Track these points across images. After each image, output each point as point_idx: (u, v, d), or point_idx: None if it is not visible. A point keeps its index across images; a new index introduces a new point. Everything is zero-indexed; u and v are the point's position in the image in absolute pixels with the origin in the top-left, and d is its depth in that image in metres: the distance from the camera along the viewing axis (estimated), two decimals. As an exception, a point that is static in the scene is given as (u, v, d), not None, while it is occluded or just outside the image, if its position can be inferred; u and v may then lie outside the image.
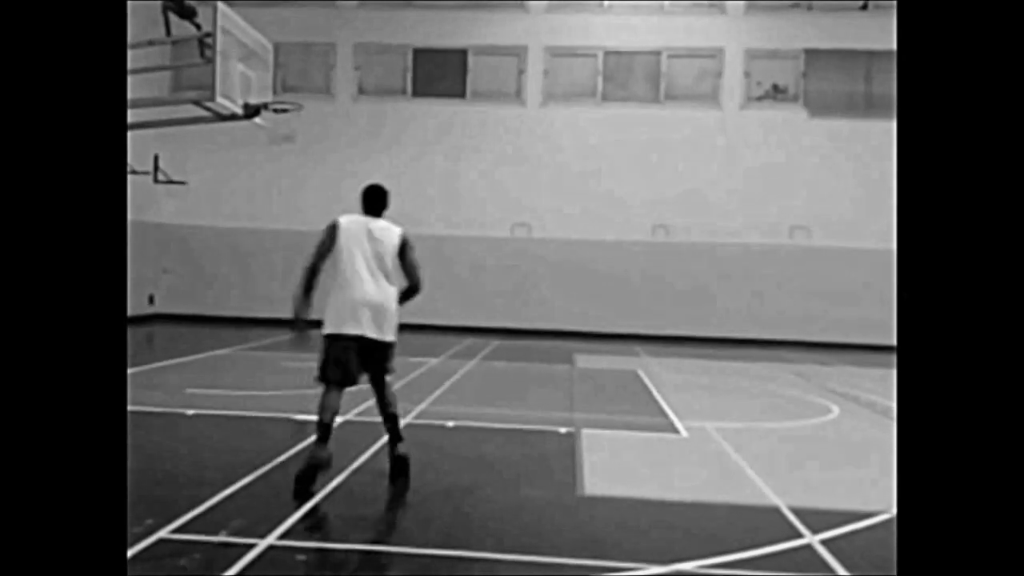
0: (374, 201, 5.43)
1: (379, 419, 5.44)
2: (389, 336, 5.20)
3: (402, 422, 5.58)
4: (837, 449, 7.04)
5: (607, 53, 18.15)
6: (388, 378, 5.36)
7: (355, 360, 5.11)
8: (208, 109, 8.40)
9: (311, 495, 4.78)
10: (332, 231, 5.24)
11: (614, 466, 6.06)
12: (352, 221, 5.28)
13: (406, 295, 5.37)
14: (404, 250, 5.30)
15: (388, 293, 5.19)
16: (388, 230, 5.30)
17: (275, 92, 10.69)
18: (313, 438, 5.04)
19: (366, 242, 5.20)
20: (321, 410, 5.05)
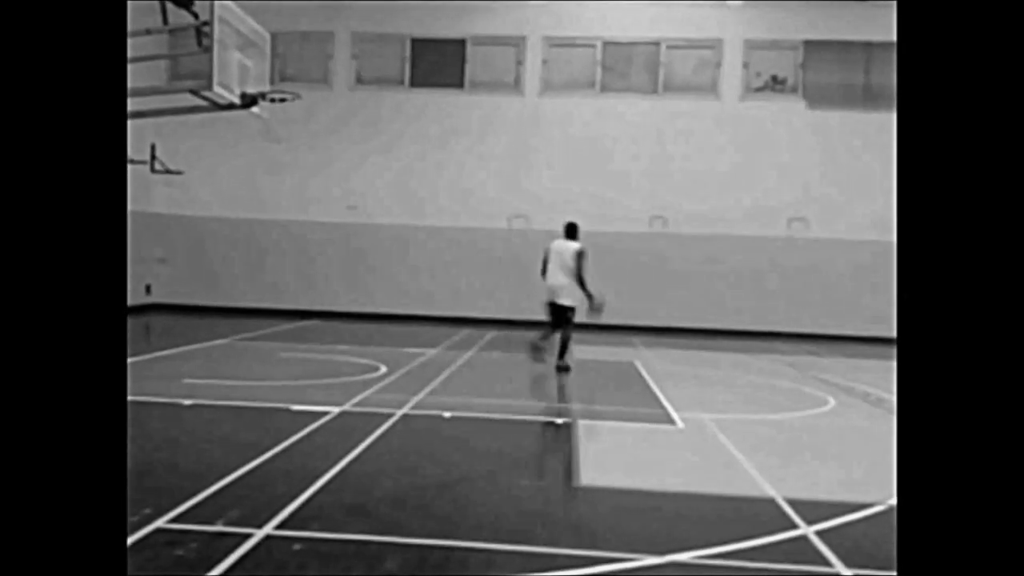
0: (570, 231, 10.48)
1: (375, 410, 7.14)
2: (567, 302, 10.08)
3: (399, 412, 7.11)
4: (832, 441, 7.07)
5: (606, 43, 18.09)
6: (569, 327, 10.24)
7: (555, 314, 10.21)
8: (205, 98, 8.36)
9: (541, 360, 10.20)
10: (547, 251, 10.41)
11: (610, 457, 6.07)
12: (555, 242, 10.36)
13: (581, 284, 10.02)
14: (578, 258, 10.04)
15: (566, 281, 10.03)
16: (569, 246, 10.15)
17: (272, 82, 10.66)
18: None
19: (557, 253, 10.20)
20: (543, 338, 10.40)
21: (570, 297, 9.88)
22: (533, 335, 10.62)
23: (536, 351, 10.45)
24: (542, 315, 17.92)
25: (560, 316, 10.08)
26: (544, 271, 10.29)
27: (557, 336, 10.40)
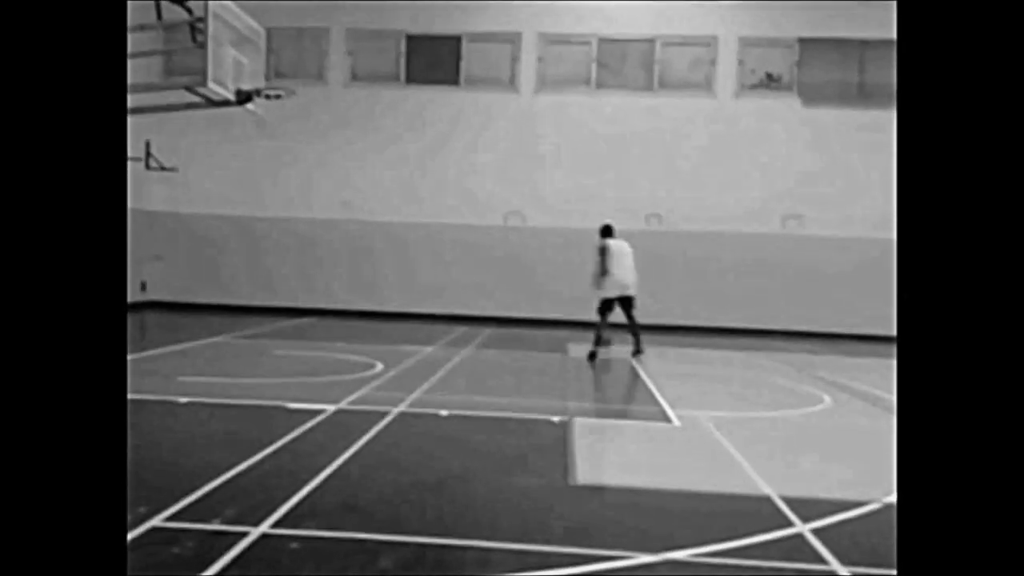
0: (611, 231, 11.68)
1: (372, 408, 7.15)
2: (634, 292, 11.48)
3: (395, 410, 7.15)
4: (829, 438, 7.08)
5: (601, 40, 18.08)
6: (633, 311, 11.54)
7: (616, 305, 11.44)
8: (200, 95, 8.34)
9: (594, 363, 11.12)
10: (607, 248, 11.40)
11: (606, 455, 6.07)
12: (615, 242, 11.48)
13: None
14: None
15: (633, 273, 11.45)
16: (626, 244, 11.56)
17: (267, 78, 10.64)
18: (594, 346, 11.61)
19: (624, 253, 11.42)
20: (602, 329, 11.54)
21: (635, 286, 11.56)
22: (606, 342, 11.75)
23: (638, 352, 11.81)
24: (535, 311, 18.10)
25: (629, 306, 11.52)
26: (605, 269, 11.36)
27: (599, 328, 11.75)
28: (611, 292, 11.35)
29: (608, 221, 12.13)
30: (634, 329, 11.68)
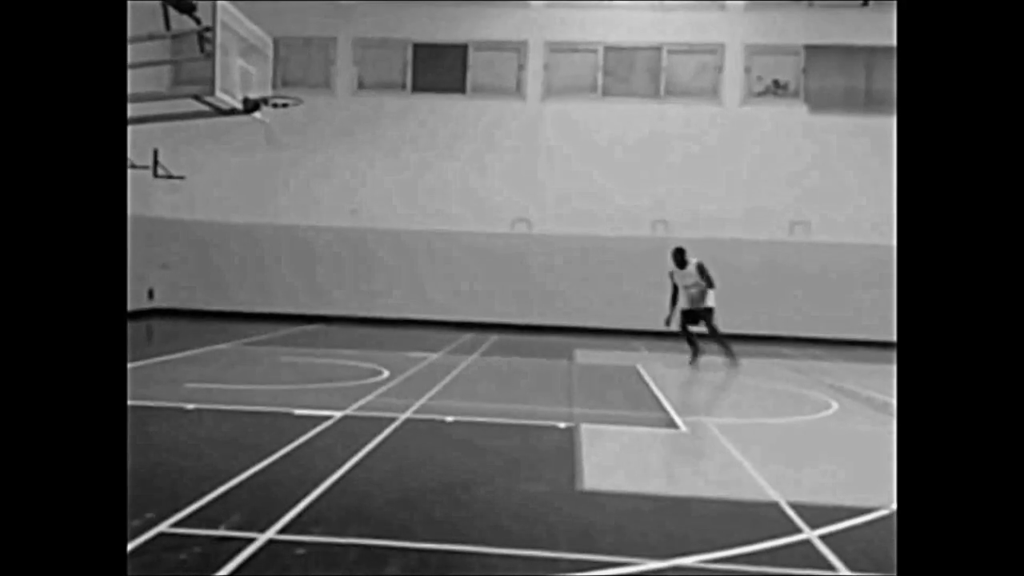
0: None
1: (378, 415, 7.17)
2: None
3: (401, 416, 7.14)
4: (836, 444, 7.05)
5: (607, 48, 18.12)
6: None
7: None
8: (208, 104, 8.37)
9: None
10: (704, 264, 12.01)
11: (613, 461, 6.06)
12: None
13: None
14: None
15: None
16: None
17: (275, 87, 10.66)
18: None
19: None
20: (720, 335, 12.22)
21: None
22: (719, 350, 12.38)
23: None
24: (542, 318, 18.13)
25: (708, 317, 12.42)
26: (713, 283, 12.13)
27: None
28: (715, 301, 12.22)
29: (679, 245, 12.70)
30: (711, 338, 12.46)
